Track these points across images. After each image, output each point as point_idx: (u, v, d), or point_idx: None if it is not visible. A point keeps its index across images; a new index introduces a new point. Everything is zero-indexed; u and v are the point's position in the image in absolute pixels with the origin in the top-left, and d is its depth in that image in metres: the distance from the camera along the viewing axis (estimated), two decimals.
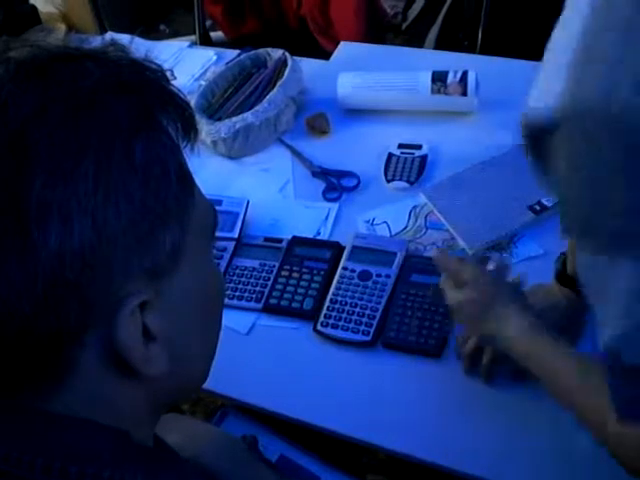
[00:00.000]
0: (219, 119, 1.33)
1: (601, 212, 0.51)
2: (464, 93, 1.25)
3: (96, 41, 0.49)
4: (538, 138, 0.52)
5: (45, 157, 0.40)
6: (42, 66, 0.42)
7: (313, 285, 1.07)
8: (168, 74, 0.47)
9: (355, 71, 1.35)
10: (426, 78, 1.27)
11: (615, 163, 0.48)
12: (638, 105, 0.45)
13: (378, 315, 1.01)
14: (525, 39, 1.22)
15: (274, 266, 1.11)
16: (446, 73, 1.26)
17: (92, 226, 0.40)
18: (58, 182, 0.40)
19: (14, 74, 0.41)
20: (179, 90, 0.48)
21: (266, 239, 1.15)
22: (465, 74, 1.25)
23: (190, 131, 0.48)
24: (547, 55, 0.53)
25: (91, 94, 0.42)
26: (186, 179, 0.47)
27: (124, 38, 1.47)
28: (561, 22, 0.53)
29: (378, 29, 2.19)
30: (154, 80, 0.46)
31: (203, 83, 1.44)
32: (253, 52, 1.45)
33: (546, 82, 0.51)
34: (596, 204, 0.51)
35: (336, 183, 1.23)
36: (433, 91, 1.27)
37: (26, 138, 0.40)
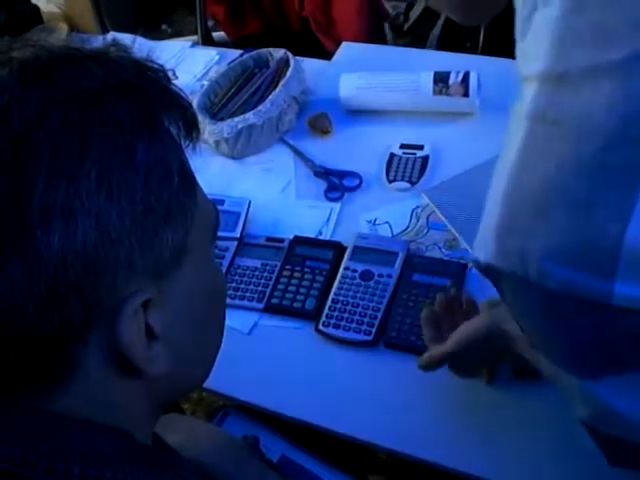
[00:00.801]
0: (221, 119, 1.34)
1: (542, 341, 0.59)
2: (466, 94, 1.25)
3: (98, 41, 0.49)
4: (485, 275, 0.59)
5: (48, 158, 0.40)
6: (45, 67, 0.42)
7: (315, 285, 1.07)
8: (170, 74, 0.47)
9: (357, 71, 1.35)
10: (428, 79, 1.27)
11: (542, 311, 0.55)
12: (549, 273, 0.51)
13: (380, 315, 1.01)
14: None
15: (276, 266, 1.11)
16: (448, 74, 1.26)
17: (95, 226, 0.41)
18: (61, 183, 0.40)
19: (17, 75, 0.41)
20: (181, 90, 0.48)
21: (268, 239, 1.15)
22: (467, 75, 1.25)
23: (192, 131, 0.48)
24: (487, 203, 0.58)
25: (93, 95, 0.42)
26: (188, 179, 0.48)
27: (126, 38, 1.46)
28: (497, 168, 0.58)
29: (380, 29, 2.19)
30: (156, 80, 0.46)
31: (205, 83, 1.44)
32: (255, 52, 1.45)
33: (482, 238, 0.57)
34: (537, 336, 0.59)
35: (338, 183, 1.23)
36: (435, 92, 1.27)
37: (29, 139, 0.40)
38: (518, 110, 0.57)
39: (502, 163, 0.56)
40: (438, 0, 0.77)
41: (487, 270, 0.56)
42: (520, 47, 0.58)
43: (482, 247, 0.56)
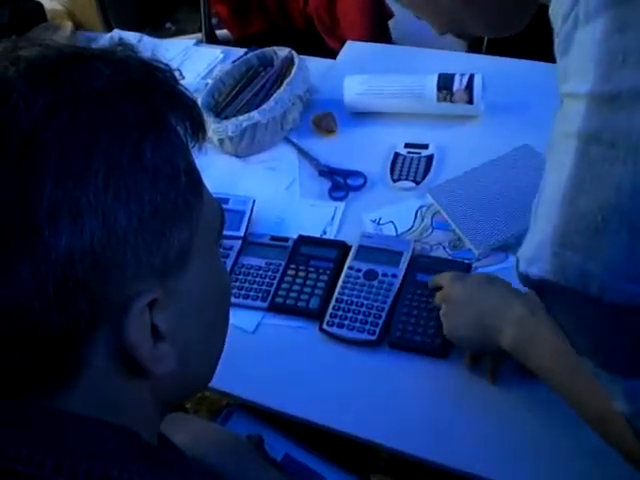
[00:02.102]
0: (226, 117, 1.34)
1: (597, 349, 0.60)
2: (470, 101, 1.24)
3: (104, 39, 0.49)
4: (533, 290, 0.59)
5: (56, 157, 0.40)
6: (52, 66, 0.42)
7: (319, 284, 1.07)
8: (176, 74, 0.47)
9: (361, 72, 1.35)
10: (432, 84, 1.26)
11: (604, 324, 0.56)
12: (612, 289, 0.52)
13: (384, 314, 1.01)
14: (531, 40, 1.21)
15: (280, 265, 1.11)
16: (452, 77, 1.25)
17: (102, 225, 0.41)
18: (69, 182, 0.40)
19: (25, 74, 0.41)
20: (187, 90, 0.48)
21: (272, 238, 1.15)
22: (471, 79, 1.24)
23: (199, 131, 0.49)
24: (534, 217, 0.58)
25: (101, 95, 0.42)
26: (195, 179, 0.48)
27: (132, 36, 1.47)
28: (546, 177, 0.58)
29: (384, 28, 2.18)
30: (163, 80, 0.46)
31: (210, 81, 1.44)
32: (260, 51, 1.45)
33: (534, 248, 0.57)
34: (592, 345, 0.60)
35: (342, 182, 1.23)
36: (439, 99, 1.26)
37: (37, 138, 0.40)
38: (561, 125, 0.56)
39: (551, 180, 0.56)
40: (475, 25, 0.76)
41: (540, 284, 0.56)
42: (561, 64, 0.58)
43: (536, 262, 0.56)
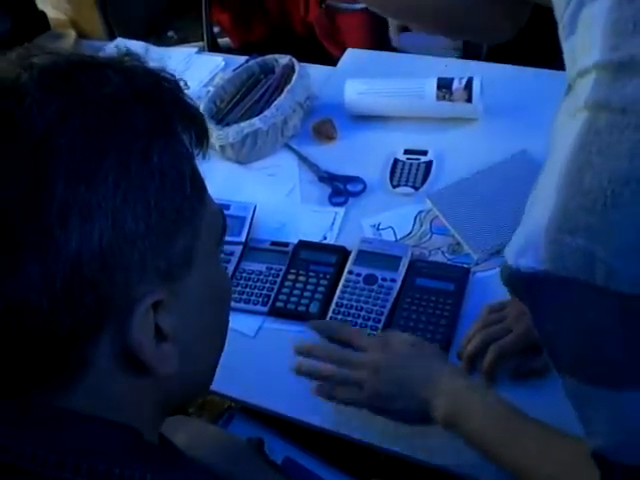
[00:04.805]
0: (227, 124, 1.35)
1: (588, 356, 0.53)
2: (469, 100, 1.26)
3: (110, 48, 0.51)
4: (518, 290, 0.53)
5: (67, 161, 0.41)
6: (64, 73, 0.44)
7: (319, 289, 1.08)
8: (182, 83, 0.49)
9: (362, 77, 1.36)
10: (431, 85, 1.28)
11: (607, 320, 0.50)
12: (620, 274, 0.47)
13: (383, 318, 1.02)
14: (530, 46, 1.23)
15: (281, 270, 1.12)
16: (451, 80, 1.27)
17: (111, 227, 0.42)
18: (80, 184, 0.41)
19: (38, 80, 0.43)
20: (192, 99, 0.49)
21: (273, 243, 1.16)
22: (470, 81, 1.26)
23: (203, 139, 0.50)
24: (528, 208, 0.53)
25: (111, 101, 0.44)
26: (199, 185, 0.49)
27: (137, 45, 1.48)
28: (543, 174, 0.53)
29: (384, 36, 2.19)
30: (170, 89, 0.48)
31: (211, 89, 1.45)
32: (261, 58, 1.46)
33: (525, 237, 0.51)
34: (583, 351, 0.53)
35: (342, 188, 1.24)
36: (438, 97, 1.28)
37: (49, 142, 0.41)
38: (566, 109, 0.53)
39: (552, 163, 0.52)
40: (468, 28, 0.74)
41: (531, 279, 0.50)
42: (567, 47, 0.55)
43: (529, 252, 0.50)
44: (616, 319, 0.49)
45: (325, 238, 1.17)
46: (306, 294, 1.08)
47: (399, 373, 0.82)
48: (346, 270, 1.08)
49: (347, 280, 1.07)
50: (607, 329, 0.50)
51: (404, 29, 0.81)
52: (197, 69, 1.60)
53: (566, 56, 0.55)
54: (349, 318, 1.03)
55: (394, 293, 1.04)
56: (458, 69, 1.35)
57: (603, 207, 0.47)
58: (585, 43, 0.52)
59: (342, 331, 0.91)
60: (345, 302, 1.05)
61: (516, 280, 0.52)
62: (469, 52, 1.84)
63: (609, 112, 0.48)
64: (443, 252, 1.10)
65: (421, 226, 1.15)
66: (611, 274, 0.47)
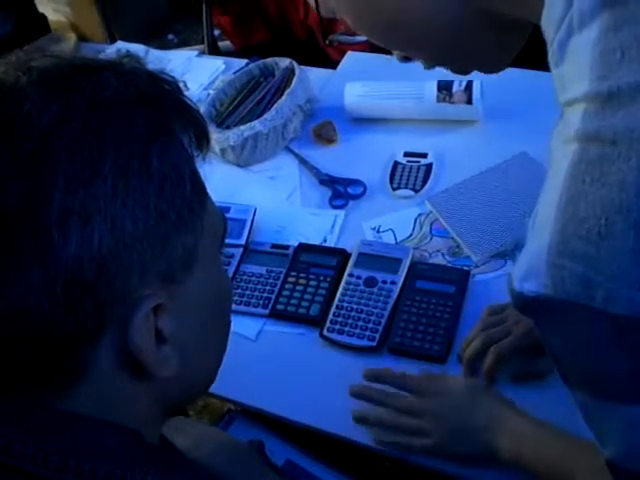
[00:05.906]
0: (227, 127, 1.35)
1: (596, 374, 0.55)
2: (469, 101, 1.26)
3: (110, 50, 0.51)
4: (525, 311, 0.55)
5: (66, 164, 0.41)
6: (64, 77, 0.44)
7: (319, 291, 1.08)
8: (181, 86, 0.49)
9: (362, 80, 1.37)
10: (432, 87, 1.29)
11: (607, 341, 0.51)
12: (617, 297, 0.48)
13: (384, 321, 1.02)
14: (529, 49, 1.23)
15: (281, 272, 1.12)
16: (451, 82, 1.27)
17: (111, 231, 0.42)
18: (79, 188, 0.41)
19: (37, 83, 0.43)
20: (192, 101, 0.49)
21: (273, 246, 1.16)
22: (470, 83, 1.26)
23: (203, 141, 0.50)
24: (530, 232, 0.54)
25: (110, 104, 0.44)
26: (199, 187, 0.49)
27: (137, 48, 1.48)
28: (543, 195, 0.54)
29: None
30: (170, 92, 0.48)
31: (212, 92, 1.46)
32: (261, 61, 1.47)
33: (528, 261, 0.53)
34: (590, 369, 0.55)
35: (342, 191, 1.24)
36: (439, 99, 1.28)
37: (48, 146, 0.41)
38: (559, 134, 0.54)
39: (549, 187, 0.53)
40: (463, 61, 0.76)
41: (536, 302, 0.52)
42: (556, 74, 0.56)
43: (532, 277, 0.51)
44: (615, 341, 0.51)
45: (325, 241, 1.17)
46: (306, 297, 1.08)
47: (461, 420, 0.86)
48: (346, 273, 1.09)
49: (347, 283, 1.07)
50: (609, 350, 0.52)
51: (407, 58, 0.82)
52: (197, 72, 1.60)
53: (556, 83, 0.56)
54: (349, 320, 1.03)
55: (394, 295, 1.04)
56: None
57: (598, 236, 0.48)
58: (573, 73, 0.53)
59: (394, 378, 0.94)
60: (345, 305, 1.05)
61: (522, 303, 0.53)
62: None
63: (599, 143, 0.49)
64: (443, 254, 1.10)
65: (421, 228, 1.15)
66: (609, 298, 0.48)
